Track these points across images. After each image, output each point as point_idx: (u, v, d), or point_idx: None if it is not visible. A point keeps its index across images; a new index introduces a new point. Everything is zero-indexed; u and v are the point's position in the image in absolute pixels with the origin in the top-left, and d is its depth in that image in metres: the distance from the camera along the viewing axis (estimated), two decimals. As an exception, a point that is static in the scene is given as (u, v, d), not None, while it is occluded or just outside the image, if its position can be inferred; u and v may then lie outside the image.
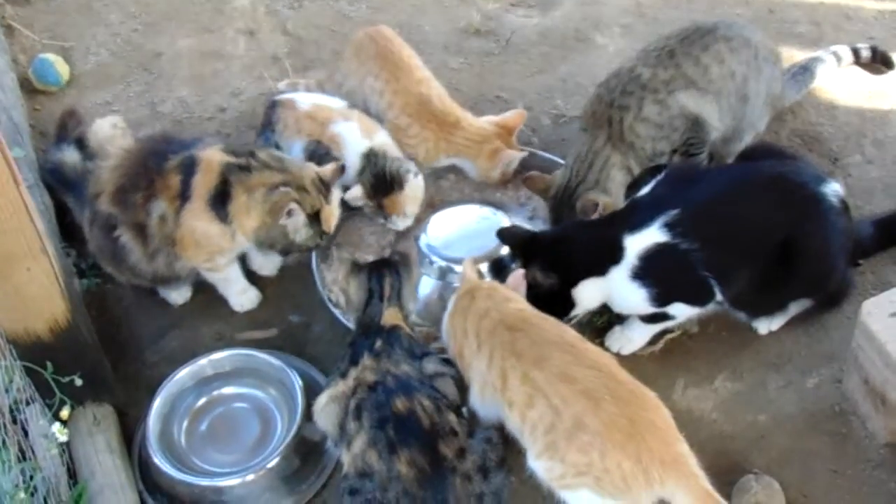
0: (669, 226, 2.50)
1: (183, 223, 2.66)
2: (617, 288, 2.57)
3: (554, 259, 2.58)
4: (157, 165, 2.68)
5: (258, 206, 2.65)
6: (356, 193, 2.95)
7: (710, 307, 2.63)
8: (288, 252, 2.76)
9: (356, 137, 3.04)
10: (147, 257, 2.73)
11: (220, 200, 2.65)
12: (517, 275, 2.49)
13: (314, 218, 2.71)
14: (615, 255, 2.53)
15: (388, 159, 3.00)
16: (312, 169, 2.76)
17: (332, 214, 2.76)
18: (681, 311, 2.61)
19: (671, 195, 2.60)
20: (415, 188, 3.00)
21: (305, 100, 3.17)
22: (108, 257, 2.81)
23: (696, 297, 2.58)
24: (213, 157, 2.68)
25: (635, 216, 2.58)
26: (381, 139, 3.07)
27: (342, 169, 2.82)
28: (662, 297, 2.56)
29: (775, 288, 2.61)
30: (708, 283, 2.53)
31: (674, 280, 2.54)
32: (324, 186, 2.74)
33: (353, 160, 3.02)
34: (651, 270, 2.51)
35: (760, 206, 2.56)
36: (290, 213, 2.64)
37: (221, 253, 2.76)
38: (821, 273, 2.63)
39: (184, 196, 2.65)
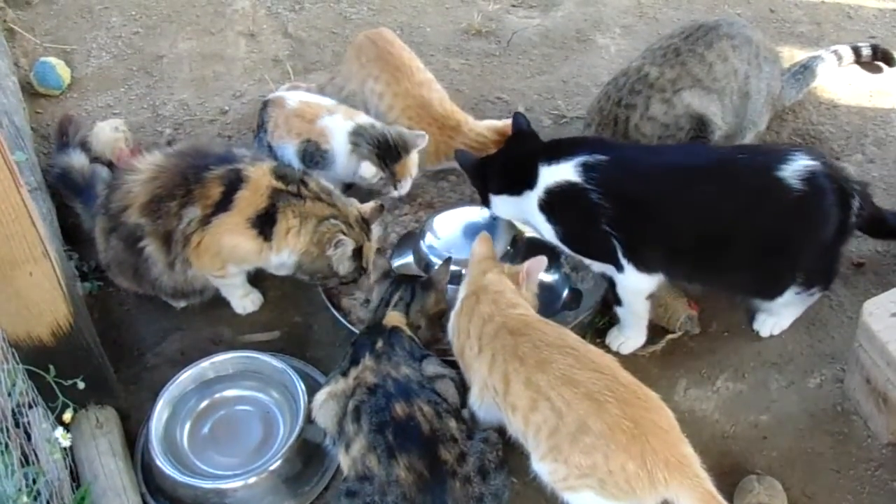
0: (586, 168, 2.48)
1: (211, 231, 2.66)
2: (531, 213, 2.61)
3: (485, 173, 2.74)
4: (195, 176, 2.68)
5: (307, 236, 2.68)
6: (371, 171, 2.97)
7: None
8: (323, 280, 2.81)
9: (340, 124, 3.05)
10: (168, 267, 2.73)
11: (266, 222, 2.67)
12: (538, 260, 2.48)
13: (356, 253, 2.73)
14: (530, 181, 2.55)
15: (381, 128, 3.02)
16: (356, 206, 2.79)
17: (371, 251, 2.80)
18: (629, 283, 2.58)
19: (610, 145, 2.63)
20: (416, 151, 3.06)
21: (293, 98, 3.17)
22: (128, 271, 2.81)
23: (597, 252, 2.54)
24: (262, 178, 2.69)
25: (556, 148, 2.59)
26: (364, 118, 3.08)
27: (382, 208, 2.86)
28: (567, 240, 2.56)
29: (727, 273, 2.61)
30: (609, 240, 2.50)
31: (574, 226, 2.52)
32: (365, 224, 2.78)
33: (341, 145, 3.03)
34: (555, 207, 2.49)
35: (699, 188, 2.50)
36: (337, 245, 2.67)
37: (243, 264, 2.78)
38: (775, 265, 2.59)
39: (221, 207, 2.65)
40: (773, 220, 2.50)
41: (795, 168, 2.47)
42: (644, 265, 2.53)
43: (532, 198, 2.58)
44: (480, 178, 2.78)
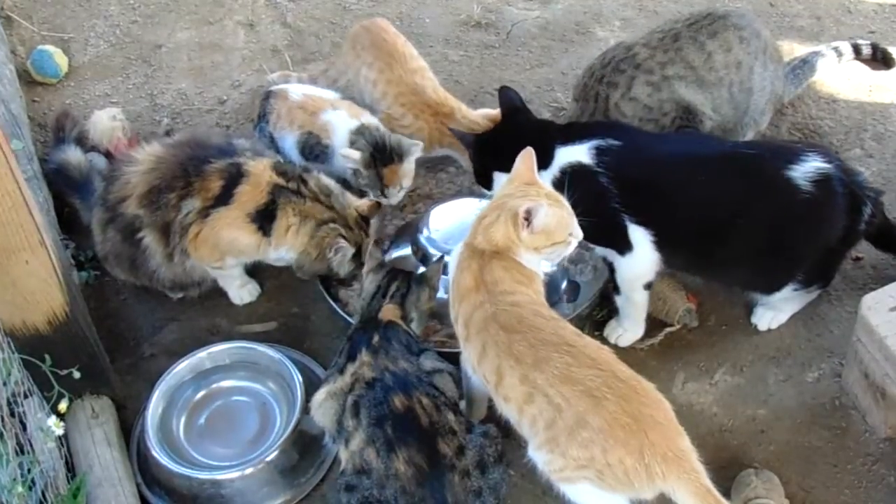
0: (599, 151, 2.50)
1: (210, 223, 2.66)
2: None
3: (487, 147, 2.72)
4: (195, 168, 2.68)
5: (306, 237, 2.69)
6: (353, 155, 2.94)
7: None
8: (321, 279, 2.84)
9: (344, 120, 3.04)
10: (166, 258, 2.73)
11: (265, 217, 2.67)
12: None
13: (356, 254, 2.73)
14: (545, 161, 2.53)
15: (385, 132, 3.01)
16: (353, 206, 2.78)
17: (368, 246, 2.80)
18: (628, 267, 2.58)
19: (625, 131, 2.62)
20: (412, 161, 3.02)
21: (297, 91, 3.17)
22: (126, 262, 2.80)
23: (600, 234, 2.51)
24: (262, 173, 2.69)
25: (573, 131, 2.60)
26: (369, 118, 3.07)
27: (378, 205, 2.86)
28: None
29: (725, 265, 2.61)
30: (614, 221, 2.50)
31: (585, 208, 2.46)
32: (364, 222, 2.78)
33: (341, 142, 3.02)
34: (566, 187, 2.45)
35: (704, 179, 2.50)
36: (338, 251, 2.68)
37: (241, 257, 2.78)
38: (774, 263, 2.58)
39: (221, 200, 2.65)
40: (776, 218, 2.49)
41: (806, 170, 2.45)
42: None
43: (545, 178, 2.52)
44: (484, 156, 2.74)
